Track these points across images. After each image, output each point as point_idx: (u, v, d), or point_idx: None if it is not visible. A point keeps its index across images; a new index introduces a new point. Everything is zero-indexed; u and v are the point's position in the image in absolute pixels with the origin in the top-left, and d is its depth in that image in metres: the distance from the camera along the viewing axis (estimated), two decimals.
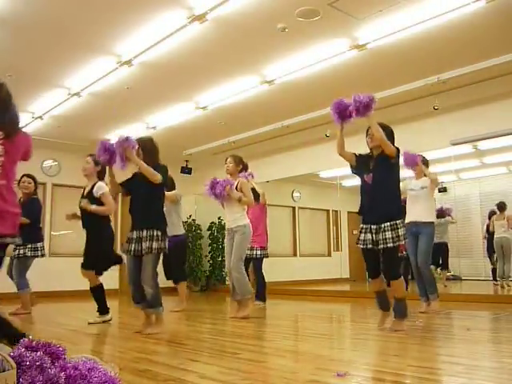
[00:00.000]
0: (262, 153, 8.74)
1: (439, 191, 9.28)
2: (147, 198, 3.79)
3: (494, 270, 8.21)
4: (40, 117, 6.81)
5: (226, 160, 5.03)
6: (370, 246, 3.58)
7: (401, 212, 3.77)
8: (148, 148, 3.87)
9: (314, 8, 4.10)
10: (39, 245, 5.37)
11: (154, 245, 3.67)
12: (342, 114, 3.67)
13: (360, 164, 3.79)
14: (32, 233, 5.32)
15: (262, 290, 6.13)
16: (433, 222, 4.88)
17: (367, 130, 3.74)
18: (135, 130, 7.53)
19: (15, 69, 5.33)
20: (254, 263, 6.11)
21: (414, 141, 6.79)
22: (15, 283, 5.28)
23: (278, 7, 4.09)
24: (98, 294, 4.58)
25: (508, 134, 6.19)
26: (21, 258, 5.25)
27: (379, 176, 3.64)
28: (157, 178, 3.69)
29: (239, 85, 5.81)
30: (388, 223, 3.52)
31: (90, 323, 4.39)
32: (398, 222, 3.55)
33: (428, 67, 5.38)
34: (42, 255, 5.42)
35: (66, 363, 1.59)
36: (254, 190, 5.97)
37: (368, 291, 7.93)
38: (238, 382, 2.17)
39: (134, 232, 3.77)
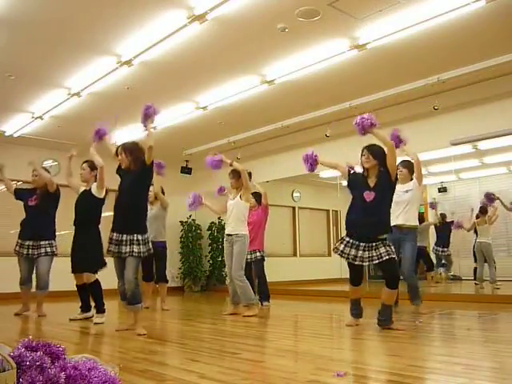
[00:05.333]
0: (262, 153, 8.73)
1: (439, 191, 9.30)
2: (133, 202, 3.84)
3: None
4: (40, 117, 6.81)
5: (229, 175, 5.27)
6: (355, 262, 3.79)
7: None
8: (134, 151, 3.93)
9: (314, 8, 4.10)
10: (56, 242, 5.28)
11: (135, 249, 3.72)
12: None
13: (355, 181, 3.99)
14: (53, 229, 5.26)
15: (266, 291, 6.18)
16: (416, 227, 4.89)
17: (362, 151, 3.92)
18: (135, 130, 7.53)
19: (15, 69, 5.34)
20: (255, 266, 6.14)
21: (414, 141, 6.78)
22: (41, 284, 5.11)
23: (277, 7, 4.09)
24: (96, 290, 4.66)
25: (508, 134, 6.18)
26: (50, 255, 5.14)
27: (381, 196, 3.79)
28: (151, 143, 3.82)
29: (239, 85, 5.81)
30: (380, 241, 3.73)
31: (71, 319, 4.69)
32: (386, 240, 3.77)
33: (428, 67, 5.37)
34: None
35: (66, 363, 1.59)
36: (256, 193, 6.11)
37: (367, 291, 7.92)
38: (238, 382, 2.17)
39: (116, 234, 3.81)
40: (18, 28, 4.41)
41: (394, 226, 4.79)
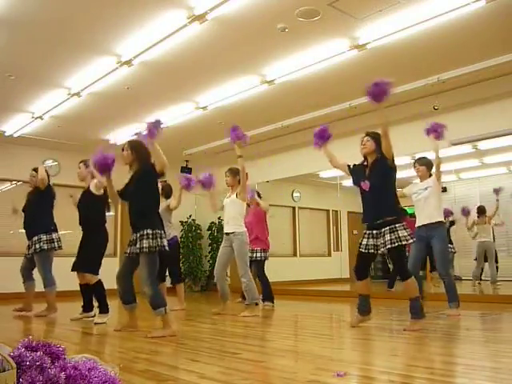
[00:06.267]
0: (262, 153, 8.73)
1: None
2: (139, 200, 3.76)
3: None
4: (40, 117, 6.82)
5: (226, 174, 5.30)
6: (371, 251, 3.78)
7: (400, 215, 3.82)
8: (138, 150, 3.87)
9: (314, 8, 4.10)
10: (54, 235, 5.19)
11: (145, 243, 3.59)
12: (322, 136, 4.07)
13: (355, 174, 3.95)
14: (44, 223, 5.21)
15: (267, 291, 6.16)
16: (443, 222, 4.73)
17: (364, 136, 3.90)
18: (135, 130, 7.53)
19: (15, 69, 5.34)
20: (255, 265, 6.14)
21: (414, 141, 6.79)
22: (42, 280, 5.13)
23: (277, 7, 4.09)
24: (99, 290, 4.66)
25: (508, 134, 6.19)
26: (38, 252, 5.08)
27: (375, 182, 3.77)
28: (164, 162, 3.70)
29: (239, 85, 5.81)
30: (387, 227, 3.67)
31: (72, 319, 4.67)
32: (397, 225, 3.68)
33: (428, 67, 5.38)
34: (59, 247, 5.23)
35: (66, 363, 1.59)
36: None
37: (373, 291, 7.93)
38: (237, 382, 2.17)
39: (133, 235, 3.75)
40: (18, 28, 4.41)
41: (420, 225, 4.72)
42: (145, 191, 3.77)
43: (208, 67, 5.34)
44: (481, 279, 7.82)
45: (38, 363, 1.49)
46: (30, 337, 1.67)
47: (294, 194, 11.24)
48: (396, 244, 3.62)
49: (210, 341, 3.50)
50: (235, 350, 2.98)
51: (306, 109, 6.69)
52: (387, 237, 3.65)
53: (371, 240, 3.78)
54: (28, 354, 1.50)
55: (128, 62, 5.01)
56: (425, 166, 4.78)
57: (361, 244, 3.85)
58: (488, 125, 6.12)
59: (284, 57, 5.09)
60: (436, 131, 4.55)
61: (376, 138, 3.79)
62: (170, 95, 6.22)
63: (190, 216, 9.92)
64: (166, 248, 3.74)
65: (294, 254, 11.04)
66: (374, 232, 3.77)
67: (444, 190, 9.13)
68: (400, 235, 3.63)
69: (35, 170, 5.34)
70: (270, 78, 5.57)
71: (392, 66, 5.35)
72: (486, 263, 8.10)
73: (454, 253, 8.82)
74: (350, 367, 2.52)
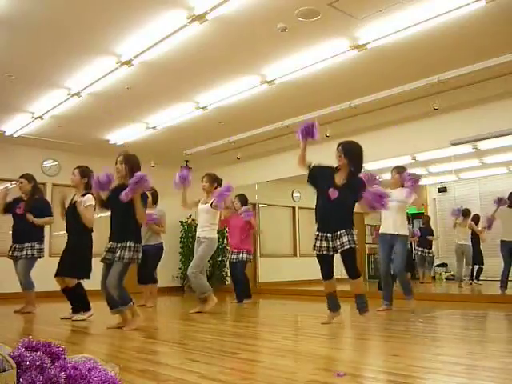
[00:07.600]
0: (261, 153, 8.73)
1: (439, 191, 9.31)
2: (125, 213, 3.92)
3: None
4: (40, 117, 6.81)
5: (202, 179, 5.45)
6: (325, 253, 3.97)
7: (353, 223, 4.04)
8: (131, 163, 4.01)
9: (313, 8, 4.10)
10: (43, 246, 5.44)
11: (126, 255, 3.85)
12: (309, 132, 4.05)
13: (318, 176, 4.07)
14: (38, 233, 5.40)
15: (247, 290, 6.54)
16: (406, 236, 5.08)
17: (338, 146, 4.04)
18: (135, 130, 7.54)
19: (15, 69, 5.34)
20: (240, 265, 6.47)
21: (414, 141, 6.79)
22: (22, 283, 5.33)
23: (278, 7, 4.09)
24: (79, 292, 4.74)
25: (508, 134, 6.18)
26: (29, 258, 5.29)
27: (344, 197, 3.91)
28: (143, 217, 3.97)
29: (239, 85, 5.81)
30: (343, 230, 3.90)
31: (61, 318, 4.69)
32: (351, 229, 3.94)
33: (428, 67, 5.37)
34: (42, 256, 5.46)
35: (66, 363, 1.59)
36: (241, 195, 6.67)
37: (368, 291, 7.93)
38: (237, 382, 2.17)
39: (111, 243, 3.98)
40: (18, 28, 4.40)
41: (385, 233, 5.09)
42: (131, 205, 3.90)
43: (208, 67, 5.34)
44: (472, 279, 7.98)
45: (37, 363, 1.48)
46: (30, 337, 1.67)
47: (294, 194, 11.23)
48: (353, 245, 3.87)
49: (210, 341, 3.51)
50: (235, 350, 2.98)
51: (306, 109, 6.69)
52: (345, 238, 3.87)
53: (324, 242, 3.96)
54: (28, 354, 1.50)
55: (128, 62, 5.01)
56: (399, 174, 5.00)
57: (314, 246, 4.01)
58: (488, 125, 6.12)
59: (284, 57, 5.09)
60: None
61: (347, 152, 3.94)
62: (170, 95, 6.22)
63: (190, 216, 9.91)
64: (139, 260, 4.02)
65: (294, 254, 11.03)
66: (329, 235, 3.95)
67: (444, 189, 9.18)
68: (355, 238, 3.92)
69: (23, 176, 5.44)
70: (270, 78, 5.57)
71: (392, 66, 5.35)
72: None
73: (433, 257, 9.00)
74: (350, 367, 2.52)
